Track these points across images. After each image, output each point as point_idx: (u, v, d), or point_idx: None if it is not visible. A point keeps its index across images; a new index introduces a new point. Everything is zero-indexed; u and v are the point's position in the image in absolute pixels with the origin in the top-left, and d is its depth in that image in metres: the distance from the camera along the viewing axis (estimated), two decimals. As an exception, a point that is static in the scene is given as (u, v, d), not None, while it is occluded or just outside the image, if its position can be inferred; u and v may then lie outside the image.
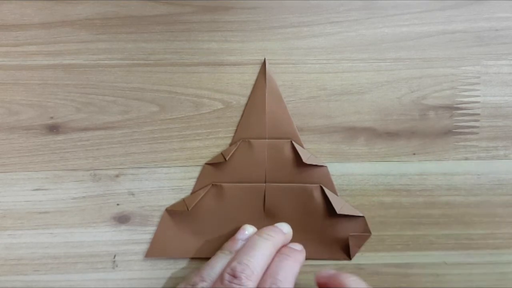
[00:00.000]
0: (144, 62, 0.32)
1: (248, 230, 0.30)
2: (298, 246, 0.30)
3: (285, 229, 0.30)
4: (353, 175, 0.32)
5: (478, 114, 0.32)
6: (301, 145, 0.32)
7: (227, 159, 0.31)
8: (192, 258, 0.32)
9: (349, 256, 0.32)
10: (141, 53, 0.32)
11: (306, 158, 0.31)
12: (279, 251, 0.29)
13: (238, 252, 0.28)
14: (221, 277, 0.26)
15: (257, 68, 0.32)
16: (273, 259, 0.28)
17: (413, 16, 0.32)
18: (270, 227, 0.30)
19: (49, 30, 0.32)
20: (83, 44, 0.32)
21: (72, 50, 0.32)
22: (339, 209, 0.31)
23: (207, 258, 0.31)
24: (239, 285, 0.25)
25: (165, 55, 0.32)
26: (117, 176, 0.32)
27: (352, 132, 0.32)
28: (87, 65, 0.32)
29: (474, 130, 0.32)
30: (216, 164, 0.32)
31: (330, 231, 0.32)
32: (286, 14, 0.32)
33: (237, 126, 0.32)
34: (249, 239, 0.29)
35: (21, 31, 0.32)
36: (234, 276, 0.26)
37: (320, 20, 0.32)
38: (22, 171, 0.32)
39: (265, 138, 0.31)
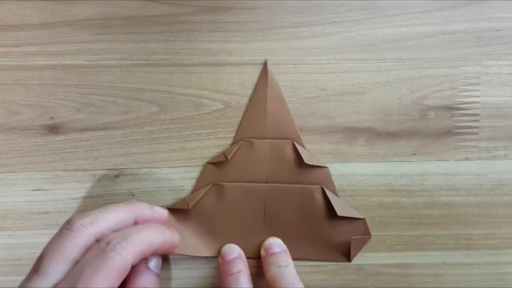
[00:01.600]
0: (144, 62, 0.32)
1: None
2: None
3: (156, 208, 0.29)
4: (353, 175, 0.32)
5: (478, 115, 0.32)
6: (303, 146, 0.32)
7: (228, 158, 0.31)
8: (192, 257, 0.32)
9: (348, 259, 0.32)
10: (141, 53, 0.32)
11: (307, 158, 0.31)
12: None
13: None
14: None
15: (257, 69, 0.32)
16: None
17: (413, 16, 0.32)
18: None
19: (49, 30, 0.32)
20: (83, 44, 0.32)
21: (72, 51, 0.32)
22: (340, 211, 0.31)
23: (207, 257, 0.32)
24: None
25: (165, 55, 0.32)
26: (117, 176, 0.32)
27: (352, 132, 0.32)
28: (87, 66, 0.32)
29: (474, 130, 0.32)
30: (217, 163, 0.32)
31: (330, 232, 0.32)
32: (286, 14, 0.32)
33: (239, 126, 0.32)
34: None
35: (21, 32, 0.32)
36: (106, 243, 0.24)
37: (320, 20, 0.32)
38: (22, 172, 0.32)
39: (267, 138, 0.31)
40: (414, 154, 0.32)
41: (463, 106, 0.32)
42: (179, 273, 0.32)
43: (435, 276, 0.32)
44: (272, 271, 0.29)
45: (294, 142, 0.31)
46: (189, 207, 0.31)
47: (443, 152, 0.32)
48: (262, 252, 0.31)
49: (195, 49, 0.32)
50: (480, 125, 0.32)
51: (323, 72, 0.32)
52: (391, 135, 0.32)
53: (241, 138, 0.32)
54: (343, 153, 0.32)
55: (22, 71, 0.32)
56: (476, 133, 0.32)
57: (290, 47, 0.32)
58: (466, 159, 0.32)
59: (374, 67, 0.32)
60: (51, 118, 0.32)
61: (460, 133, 0.32)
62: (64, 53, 0.32)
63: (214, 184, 0.31)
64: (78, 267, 0.23)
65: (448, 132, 0.32)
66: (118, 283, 0.23)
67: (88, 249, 0.24)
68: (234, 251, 0.30)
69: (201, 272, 0.32)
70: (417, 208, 0.32)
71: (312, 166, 0.31)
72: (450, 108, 0.32)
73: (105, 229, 0.25)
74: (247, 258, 0.30)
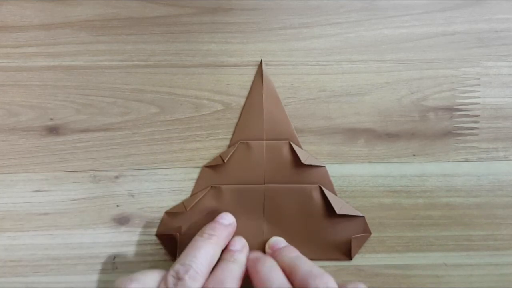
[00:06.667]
0: (144, 64, 0.32)
1: (227, 216, 0.30)
2: (238, 245, 0.29)
3: (226, 220, 0.30)
4: (353, 176, 0.32)
5: (478, 116, 0.32)
6: (299, 146, 0.32)
7: (225, 161, 0.31)
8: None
9: (349, 257, 0.32)
10: (141, 55, 0.32)
11: (304, 158, 0.31)
12: (222, 256, 0.28)
13: (181, 254, 0.27)
14: (165, 280, 0.26)
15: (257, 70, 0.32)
16: (217, 262, 0.28)
17: (413, 18, 0.32)
18: (210, 224, 0.29)
19: (49, 31, 0.32)
20: (83, 45, 0.32)
21: (72, 52, 0.32)
22: (338, 209, 0.31)
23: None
24: (184, 286, 0.25)
25: (165, 57, 0.32)
26: (117, 177, 0.32)
27: (352, 133, 0.32)
28: (87, 67, 0.32)
29: (474, 131, 0.32)
30: (214, 166, 0.32)
31: (330, 231, 0.32)
32: (286, 15, 0.32)
33: (235, 128, 0.32)
34: (192, 240, 0.28)
35: (21, 33, 0.32)
36: (178, 278, 0.25)
37: (320, 21, 0.32)
38: (22, 173, 0.32)
39: (263, 140, 0.31)
40: (414, 155, 0.32)
41: (463, 107, 0.32)
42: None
43: (435, 277, 0.32)
44: (286, 260, 0.28)
45: (291, 143, 0.31)
46: (187, 210, 0.31)
47: (443, 153, 0.32)
48: (268, 250, 0.31)
49: (195, 50, 0.32)
50: (480, 126, 0.32)
51: (323, 73, 0.32)
52: (391, 136, 0.32)
53: (238, 140, 0.32)
54: (343, 154, 0.32)
55: (22, 72, 0.32)
56: (476, 134, 0.32)
57: (290, 48, 0.32)
58: (466, 160, 0.32)
59: (374, 68, 0.32)
60: (51, 119, 0.32)
61: (460, 134, 0.32)
62: (64, 54, 0.32)
63: (212, 187, 0.31)
64: None
65: (448, 133, 0.32)
66: None
67: None
68: (281, 242, 0.31)
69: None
70: (417, 209, 0.32)
71: (310, 166, 0.31)
72: (450, 109, 0.32)
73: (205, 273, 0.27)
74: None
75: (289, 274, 0.27)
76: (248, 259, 0.29)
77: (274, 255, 0.29)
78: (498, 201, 0.32)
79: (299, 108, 0.32)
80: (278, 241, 0.31)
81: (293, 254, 0.29)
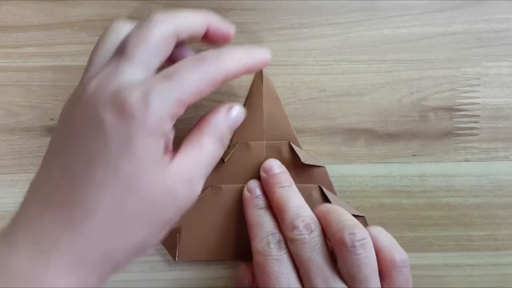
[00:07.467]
0: (144, 64, 0.32)
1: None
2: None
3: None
4: (353, 177, 0.32)
5: (478, 116, 0.32)
6: (299, 146, 0.32)
7: (225, 161, 0.31)
8: (191, 260, 0.32)
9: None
10: (141, 55, 0.32)
11: (304, 158, 0.31)
12: None
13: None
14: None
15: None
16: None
17: (413, 18, 0.32)
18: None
19: (49, 31, 0.32)
20: (83, 45, 0.32)
21: (72, 52, 0.32)
22: (339, 210, 0.31)
23: (206, 261, 0.31)
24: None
25: (165, 57, 0.32)
26: (117, 177, 0.32)
27: (352, 133, 0.32)
28: (87, 67, 0.32)
29: (474, 131, 0.32)
30: (214, 166, 0.31)
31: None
32: (286, 15, 0.32)
33: None
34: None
35: (21, 33, 0.32)
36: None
37: (320, 21, 0.32)
38: (22, 173, 0.32)
39: (263, 140, 0.31)
40: (414, 155, 0.32)
41: (463, 107, 0.32)
42: (179, 274, 0.32)
43: (435, 278, 0.32)
44: (277, 193, 0.29)
45: (291, 143, 0.31)
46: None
47: (443, 153, 0.32)
48: (263, 174, 0.31)
49: (194, 50, 0.32)
50: (480, 126, 0.32)
51: (323, 73, 0.32)
52: (391, 136, 0.32)
53: (238, 140, 0.31)
54: (343, 154, 0.32)
55: (22, 72, 0.32)
56: (476, 134, 0.32)
57: (290, 48, 0.32)
58: (466, 160, 0.32)
59: (374, 68, 0.32)
60: (51, 119, 0.32)
61: (460, 134, 0.32)
62: (64, 54, 0.32)
63: (212, 186, 0.31)
64: (175, 65, 0.23)
65: (448, 133, 0.32)
66: (212, 89, 0.24)
67: (168, 43, 0.24)
68: (278, 166, 0.31)
69: (200, 275, 0.32)
70: (417, 209, 0.32)
71: (310, 166, 0.31)
72: (450, 109, 0.32)
73: (183, 27, 0.25)
74: (248, 260, 0.30)
75: (277, 206, 0.28)
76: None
77: (266, 181, 0.30)
78: (498, 201, 0.32)
79: (299, 108, 0.32)
80: (273, 166, 0.31)
81: (286, 184, 0.29)
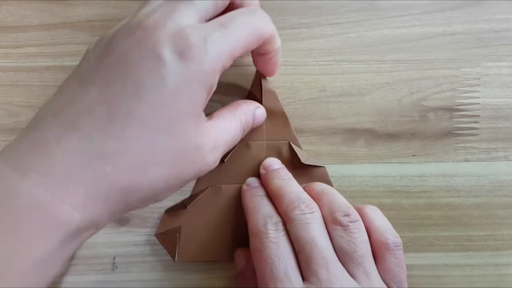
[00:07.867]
0: (143, 64, 0.32)
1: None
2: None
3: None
4: (353, 177, 0.32)
5: (478, 116, 0.32)
6: (299, 146, 0.32)
7: (225, 161, 0.31)
8: (191, 261, 0.32)
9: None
10: (140, 55, 0.32)
11: (304, 158, 0.31)
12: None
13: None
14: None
15: (257, 70, 0.32)
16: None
17: (413, 18, 0.32)
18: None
19: (49, 31, 0.32)
20: (83, 45, 0.32)
21: (72, 52, 0.32)
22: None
23: (206, 261, 0.31)
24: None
25: (164, 57, 0.32)
26: (116, 177, 0.32)
27: (352, 133, 0.32)
28: (86, 67, 0.32)
29: (474, 131, 0.32)
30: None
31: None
32: (286, 15, 0.32)
33: None
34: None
35: (21, 33, 0.32)
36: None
37: (320, 21, 0.32)
38: (21, 173, 0.32)
39: (263, 140, 0.31)
40: (414, 155, 0.32)
41: (463, 107, 0.32)
42: (179, 274, 0.32)
43: (435, 278, 0.32)
44: (275, 183, 0.28)
45: (291, 143, 0.31)
46: (187, 209, 0.31)
47: (443, 153, 0.32)
48: (262, 171, 0.31)
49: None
50: (480, 126, 0.32)
51: (323, 74, 0.32)
52: (391, 136, 0.32)
53: None
54: (343, 154, 0.32)
55: (22, 72, 0.32)
56: (476, 135, 0.32)
57: (289, 48, 0.32)
58: (466, 160, 0.32)
59: (374, 68, 0.32)
60: (51, 119, 0.32)
61: (460, 135, 0.32)
62: (64, 55, 0.32)
63: (211, 186, 0.31)
64: (229, 15, 0.23)
65: (448, 133, 0.32)
66: (256, 46, 0.24)
67: None
68: (277, 163, 0.31)
69: (200, 275, 0.32)
70: (417, 209, 0.32)
71: (310, 166, 0.31)
72: (450, 109, 0.32)
73: None
74: (248, 260, 0.30)
75: (275, 197, 0.28)
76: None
77: (265, 177, 0.30)
78: (498, 201, 0.32)
79: (299, 108, 0.32)
80: (272, 163, 0.31)
81: (285, 177, 0.29)
